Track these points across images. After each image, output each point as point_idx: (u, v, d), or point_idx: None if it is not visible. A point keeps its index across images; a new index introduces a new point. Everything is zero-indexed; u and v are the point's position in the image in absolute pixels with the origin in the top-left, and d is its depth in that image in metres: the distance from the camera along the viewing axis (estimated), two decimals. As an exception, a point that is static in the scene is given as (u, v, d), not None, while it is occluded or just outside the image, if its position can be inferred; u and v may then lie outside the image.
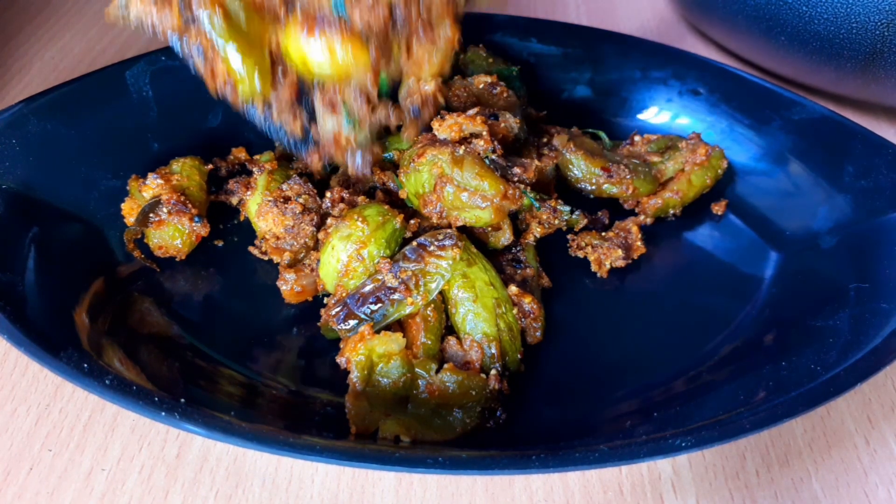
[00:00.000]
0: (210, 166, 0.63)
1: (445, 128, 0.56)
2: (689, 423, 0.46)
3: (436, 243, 0.52)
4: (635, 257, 0.62)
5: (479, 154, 0.55)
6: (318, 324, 0.55)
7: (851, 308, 0.53)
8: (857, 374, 0.46)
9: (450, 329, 0.54)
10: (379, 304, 0.51)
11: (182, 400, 0.43)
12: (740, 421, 0.43)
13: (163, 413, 0.41)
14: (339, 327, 0.52)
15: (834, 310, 0.54)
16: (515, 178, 0.56)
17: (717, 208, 0.66)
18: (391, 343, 0.49)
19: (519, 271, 0.58)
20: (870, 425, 0.53)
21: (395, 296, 0.51)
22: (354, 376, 0.49)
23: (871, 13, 0.69)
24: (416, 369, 0.49)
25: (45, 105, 0.60)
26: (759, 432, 0.44)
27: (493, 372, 0.50)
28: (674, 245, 0.65)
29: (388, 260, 0.52)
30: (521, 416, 0.50)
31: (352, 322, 0.51)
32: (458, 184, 0.54)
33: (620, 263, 0.61)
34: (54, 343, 0.45)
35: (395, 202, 0.59)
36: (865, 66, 0.73)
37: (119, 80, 0.65)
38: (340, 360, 0.51)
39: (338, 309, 0.52)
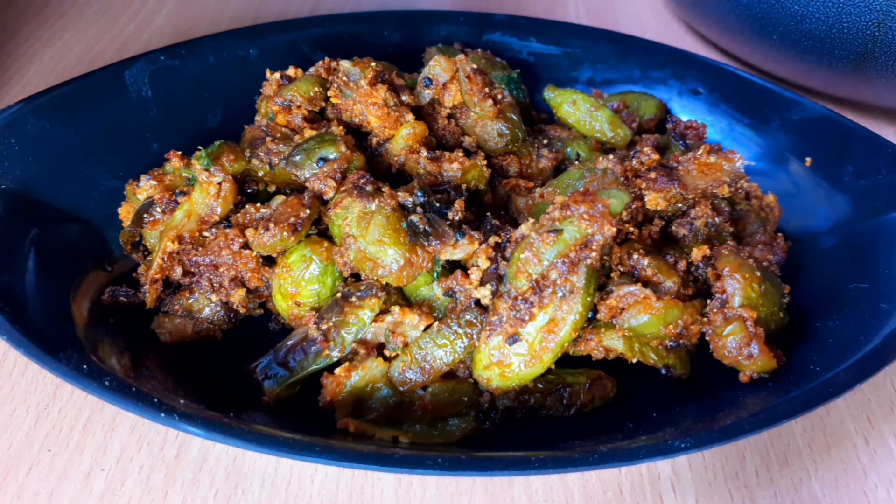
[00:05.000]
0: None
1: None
2: (688, 423, 0.46)
3: (357, 294, 0.51)
4: (635, 257, 0.62)
5: (397, 209, 0.51)
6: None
7: (851, 308, 0.53)
8: (857, 374, 0.46)
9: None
10: (303, 356, 0.50)
11: (182, 401, 0.43)
12: (740, 421, 0.43)
13: (162, 414, 0.41)
14: (260, 379, 0.50)
15: (833, 310, 0.54)
16: (429, 248, 0.50)
17: (717, 208, 0.66)
18: (371, 371, 0.49)
19: None
20: (869, 425, 0.53)
21: (314, 348, 0.50)
22: (340, 413, 0.49)
23: (862, 13, 0.69)
24: (406, 396, 0.50)
25: (45, 105, 0.60)
26: (758, 433, 0.44)
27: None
28: (673, 245, 0.65)
29: (315, 312, 0.51)
30: (520, 416, 0.50)
31: (272, 372, 0.50)
32: (360, 247, 0.50)
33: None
34: (54, 344, 0.45)
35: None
36: (857, 66, 0.73)
37: (118, 80, 0.65)
38: (324, 400, 0.50)
39: (263, 360, 0.51)
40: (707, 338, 0.51)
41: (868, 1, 0.68)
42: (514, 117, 0.62)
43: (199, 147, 0.57)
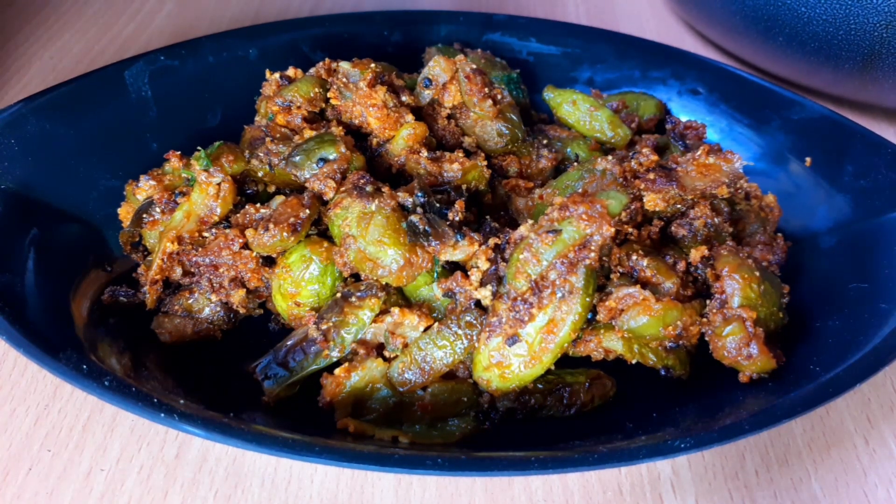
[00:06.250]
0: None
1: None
2: (688, 423, 0.46)
3: (357, 294, 0.51)
4: (635, 257, 0.62)
5: (397, 209, 0.51)
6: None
7: (851, 308, 0.53)
8: (857, 374, 0.46)
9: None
10: (302, 356, 0.50)
11: (182, 401, 0.43)
12: (739, 422, 0.43)
13: (162, 414, 0.41)
14: (260, 379, 0.50)
15: (834, 310, 0.54)
16: (429, 248, 0.50)
17: (717, 208, 0.66)
18: (370, 371, 0.49)
19: None
20: (869, 425, 0.53)
21: (314, 348, 0.50)
22: (340, 413, 0.49)
23: (870, 14, 0.69)
24: (405, 396, 0.50)
25: (44, 105, 0.60)
26: (758, 433, 0.44)
27: None
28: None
29: (315, 312, 0.51)
30: (520, 417, 0.50)
31: (272, 372, 0.50)
32: (359, 247, 0.50)
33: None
34: (53, 344, 0.45)
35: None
36: (863, 67, 0.73)
37: (118, 80, 0.65)
38: (323, 401, 0.50)
39: (263, 360, 0.51)
40: (706, 338, 0.51)
41: (876, 3, 0.68)
42: (514, 117, 0.62)
43: (199, 147, 0.57)
